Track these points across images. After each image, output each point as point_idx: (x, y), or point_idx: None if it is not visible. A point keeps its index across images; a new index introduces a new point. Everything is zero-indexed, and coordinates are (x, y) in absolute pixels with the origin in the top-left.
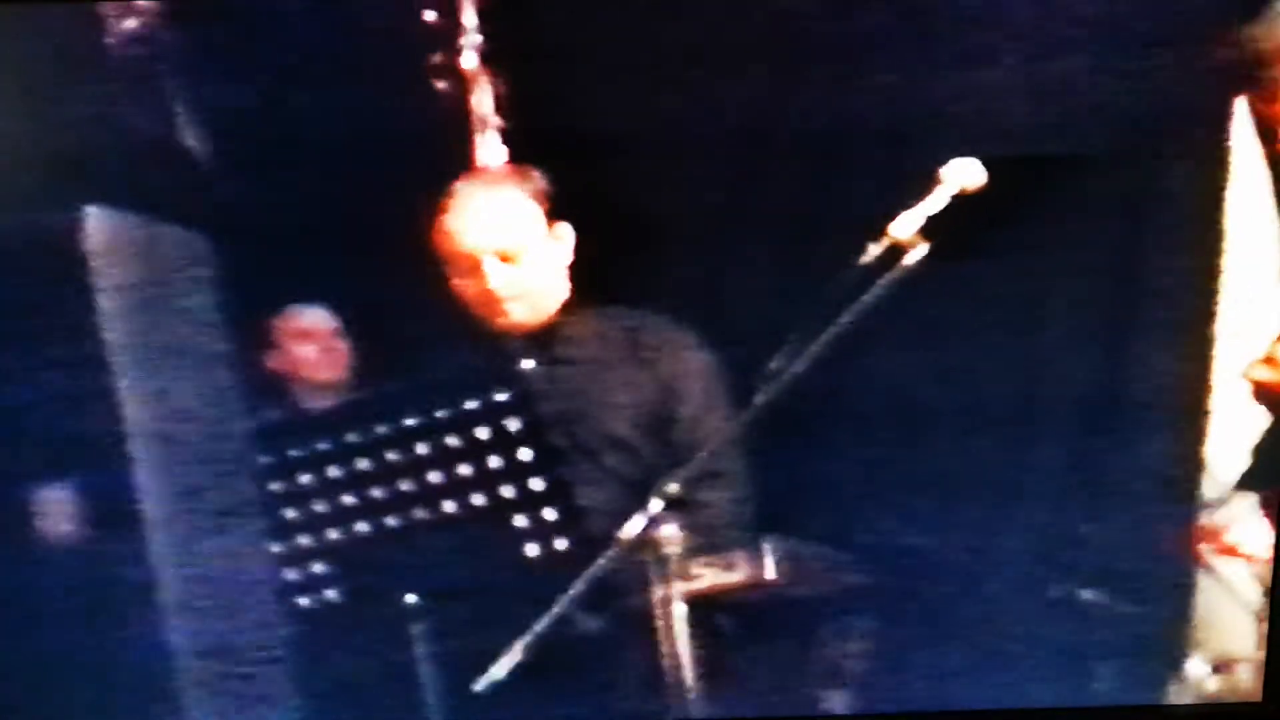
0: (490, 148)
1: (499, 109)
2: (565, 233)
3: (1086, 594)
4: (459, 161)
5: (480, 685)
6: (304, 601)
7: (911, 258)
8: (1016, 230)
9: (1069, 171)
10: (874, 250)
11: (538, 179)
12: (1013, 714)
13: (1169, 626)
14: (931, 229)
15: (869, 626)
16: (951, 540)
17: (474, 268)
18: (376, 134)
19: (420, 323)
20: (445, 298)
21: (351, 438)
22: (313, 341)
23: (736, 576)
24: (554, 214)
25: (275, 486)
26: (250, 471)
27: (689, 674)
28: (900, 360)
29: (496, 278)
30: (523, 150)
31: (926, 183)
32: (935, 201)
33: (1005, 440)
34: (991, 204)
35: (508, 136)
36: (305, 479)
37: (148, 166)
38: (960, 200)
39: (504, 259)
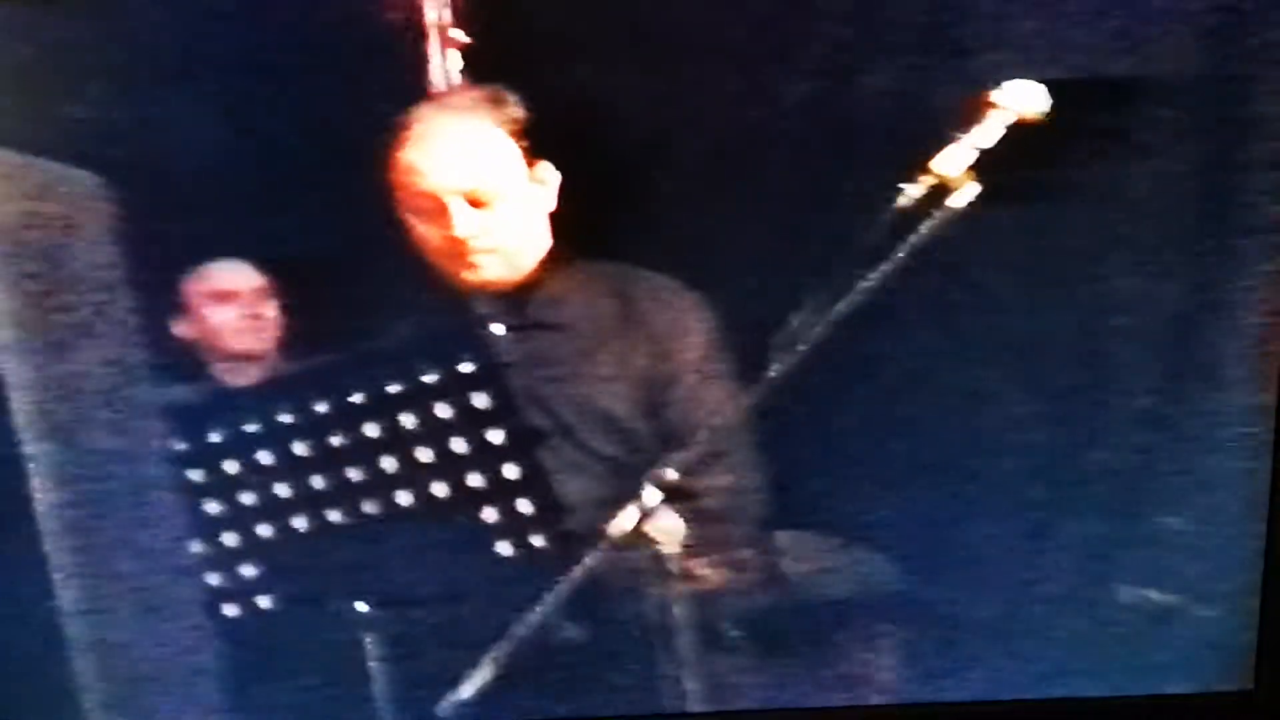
0: (448, 66)
1: (458, 18)
2: (547, 174)
3: (1153, 594)
4: (411, 84)
5: (444, 708)
6: (231, 611)
7: (958, 200)
8: (1083, 167)
9: (1145, 97)
10: (913, 191)
11: (513, 106)
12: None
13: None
14: (983, 165)
15: (900, 633)
16: (1000, 536)
17: (437, 212)
18: (311, 48)
19: (367, 279)
20: (398, 248)
21: (285, 418)
22: (234, 304)
23: (744, 576)
24: (534, 151)
25: (193, 476)
26: (162, 458)
27: (690, 691)
28: (942, 324)
29: (464, 224)
30: (490, 70)
31: (977, 110)
32: (987, 132)
33: (1065, 418)
34: (1054, 136)
35: (471, 53)
36: (229, 466)
37: (28, 90)
38: (1017, 131)
39: (474, 202)
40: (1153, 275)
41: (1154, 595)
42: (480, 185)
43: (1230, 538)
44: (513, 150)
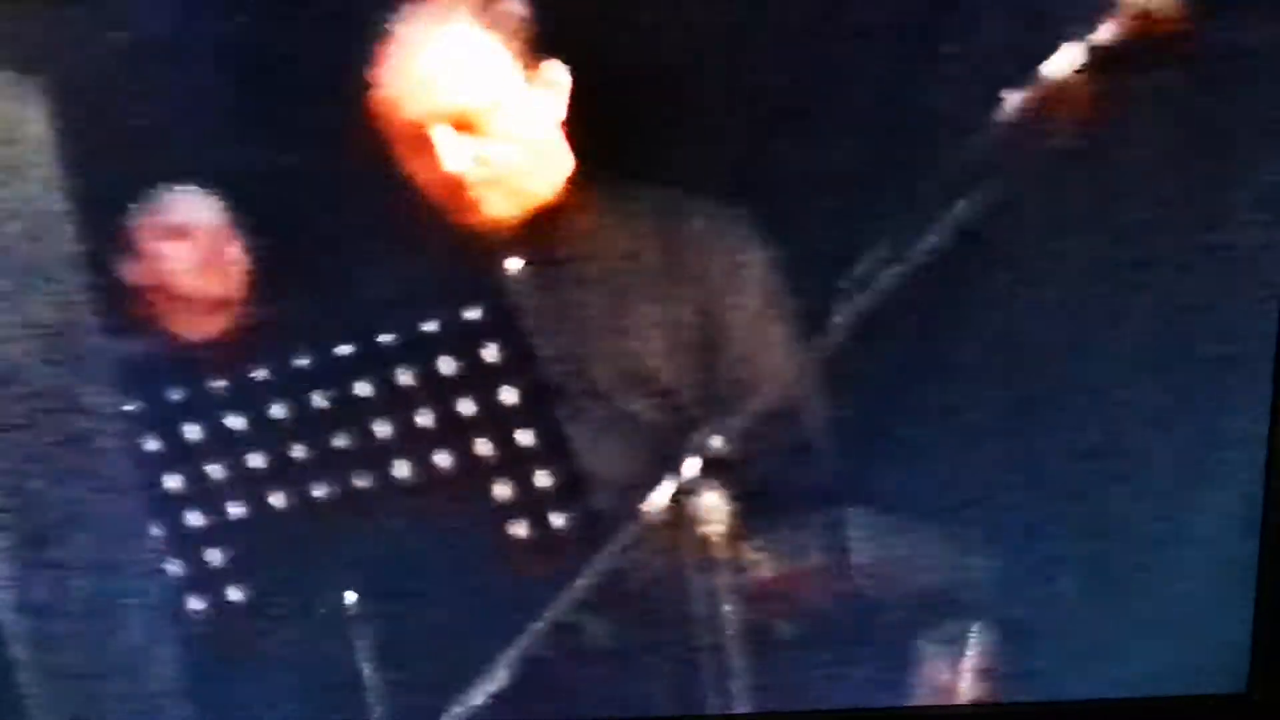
0: None
1: None
2: (556, 75)
3: (1146, 596)
4: None
5: (450, 718)
6: (196, 604)
7: (1068, 116)
8: (1225, 74)
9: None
10: (1013, 102)
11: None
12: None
13: None
14: (1103, 68)
15: (985, 632)
16: (1106, 518)
17: (422, 143)
18: None
19: (351, 210)
20: (388, 171)
21: (258, 374)
22: (191, 241)
23: (805, 564)
24: (537, 49)
25: (150, 445)
26: (112, 424)
27: (739, 700)
28: (1041, 267)
29: (453, 155)
30: None
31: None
32: (1108, 27)
33: (1191, 381)
34: (1189, 34)
35: None
36: (192, 433)
37: None
38: (1145, 24)
39: (461, 126)
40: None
41: (1146, 597)
42: (468, 103)
43: (1224, 540)
44: (507, 54)
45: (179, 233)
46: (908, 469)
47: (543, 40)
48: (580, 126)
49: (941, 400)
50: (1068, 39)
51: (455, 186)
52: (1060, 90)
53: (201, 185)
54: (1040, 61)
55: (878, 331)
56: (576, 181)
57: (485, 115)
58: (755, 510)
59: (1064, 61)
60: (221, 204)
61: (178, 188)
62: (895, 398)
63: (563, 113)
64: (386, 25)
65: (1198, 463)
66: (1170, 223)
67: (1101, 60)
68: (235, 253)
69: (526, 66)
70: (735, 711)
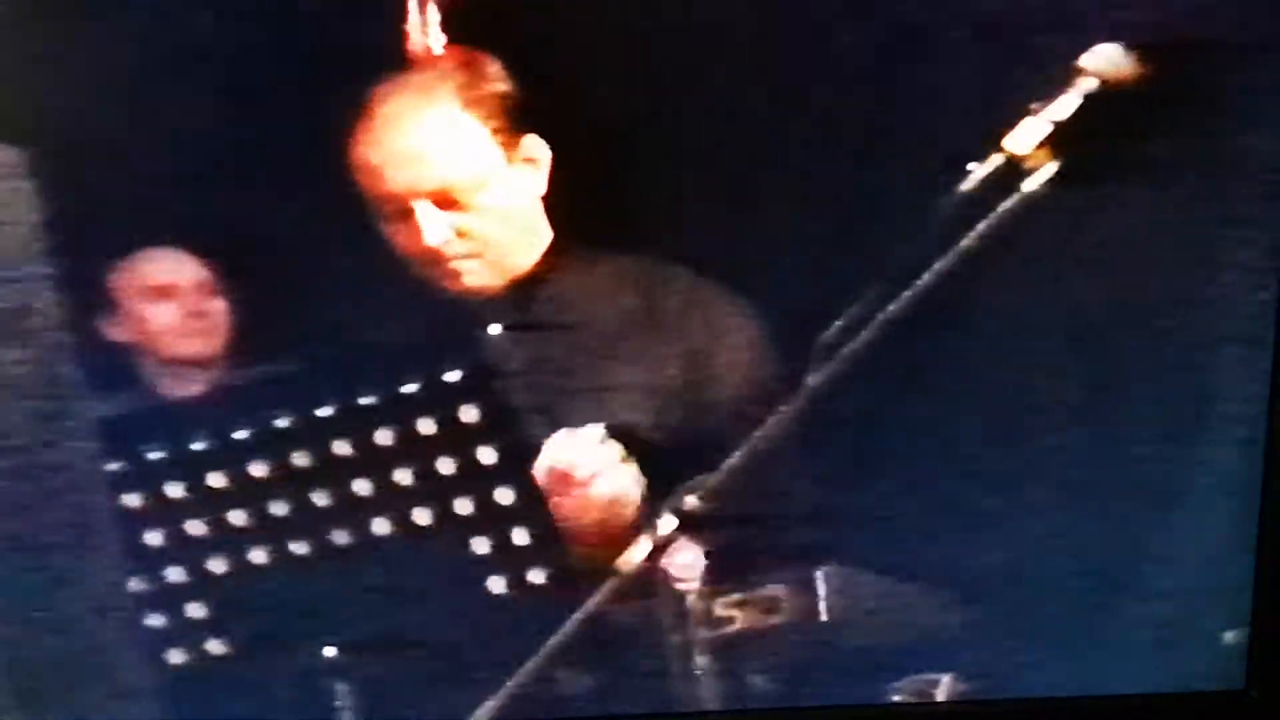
0: (428, 32)
1: None
2: (537, 150)
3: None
4: (385, 51)
5: None
6: (177, 657)
7: (1033, 182)
8: (1176, 142)
9: (1245, 62)
10: (979, 172)
11: (494, 77)
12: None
13: None
14: (1062, 141)
15: (953, 682)
16: (1078, 570)
17: (404, 214)
18: (267, 10)
19: (334, 271)
20: (371, 233)
21: (239, 434)
22: (175, 300)
23: (778, 619)
24: (517, 126)
25: (130, 501)
26: (94, 481)
27: None
28: (1011, 326)
29: (434, 230)
30: (474, 34)
31: (1056, 78)
32: (1067, 103)
33: (1158, 433)
34: (1143, 106)
35: (452, 17)
36: (173, 491)
37: None
38: (1100, 100)
39: (444, 203)
40: (1254, 265)
41: (1144, 594)
42: (450, 181)
43: (1222, 536)
44: (487, 134)
45: (162, 292)
46: (881, 525)
47: (523, 117)
48: (558, 199)
49: (930, 457)
50: (1030, 112)
51: (436, 258)
52: (1020, 162)
53: (184, 246)
54: (1004, 133)
55: (848, 393)
56: (555, 251)
57: (466, 191)
58: (729, 565)
59: (1025, 133)
60: (204, 265)
61: (160, 248)
62: (876, 456)
63: (543, 187)
64: (369, 99)
65: (1196, 461)
66: (1142, 282)
67: (1063, 129)
68: (217, 312)
69: (506, 144)
70: (732, 709)
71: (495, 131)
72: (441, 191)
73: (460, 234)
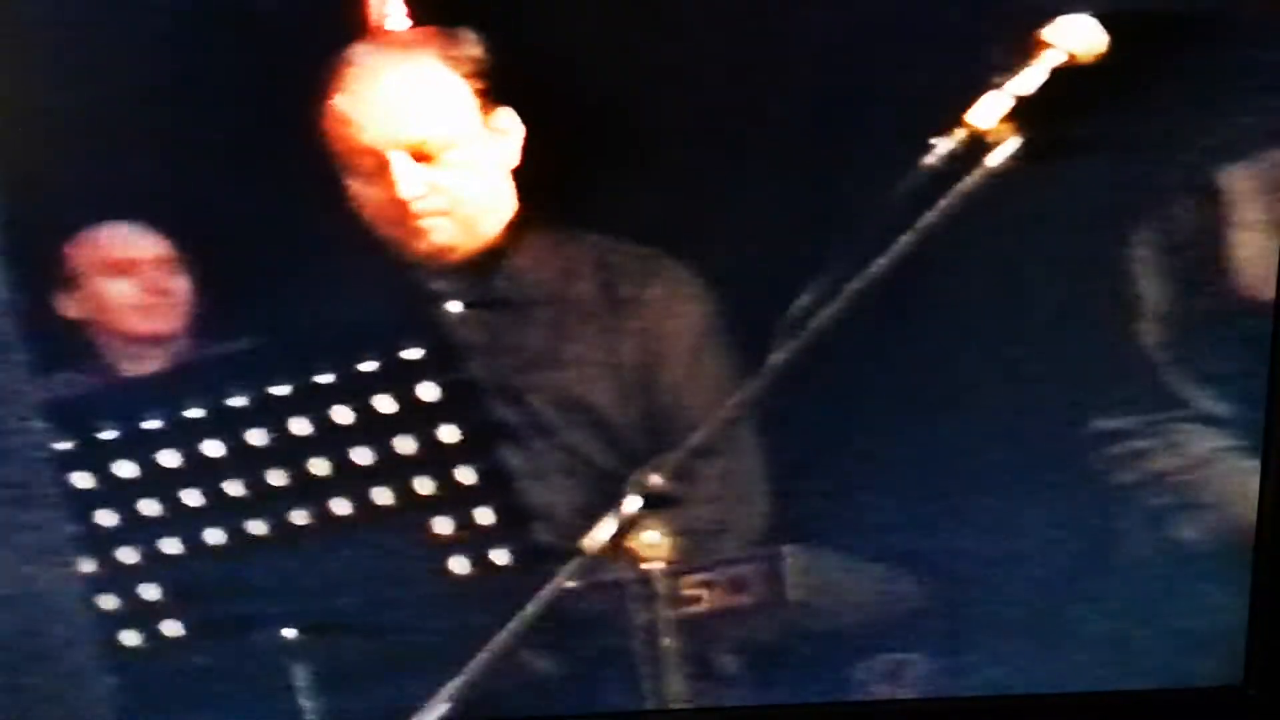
0: (391, 6)
1: None
2: (508, 122)
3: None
4: (347, 23)
5: None
6: (131, 639)
7: (996, 157)
8: (1144, 118)
9: (1210, 35)
10: (943, 147)
11: (470, 44)
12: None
13: None
14: (1026, 115)
15: (921, 662)
16: (1037, 549)
17: (377, 168)
18: None
19: (292, 247)
20: (331, 209)
21: (194, 412)
22: (132, 276)
23: (744, 598)
24: (492, 95)
25: (81, 481)
26: (44, 460)
27: None
28: (974, 305)
29: (409, 182)
30: (439, 8)
31: (1020, 50)
32: (1032, 77)
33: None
34: (1110, 79)
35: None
36: (125, 470)
37: None
38: (1067, 74)
39: (419, 156)
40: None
41: (1142, 590)
42: (426, 136)
43: (1220, 533)
44: (466, 94)
45: (119, 267)
46: (847, 503)
47: (497, 86)
48: (527, 173)
49: (893, 436)
50: (994, 86)
51: (406, 212)
52: (983, 137)
53: (141, 220)
54: (967, 107)
55: (810, 370)
56: (519, 224)
57: (443, 147)
58: (694, 544)
59: (988, 109)
60: (162, 240)
61: (118, 222)
62: (840, 435)
63: (515, 159)
64: (349, 57)
65: (1194, 459)
66: (1109, 255)
67: (1027, 103)
68: (175, 288)
69: (483, 109)
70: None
71: (475, 93)
72: (418, 144)
73: (433, 188)
